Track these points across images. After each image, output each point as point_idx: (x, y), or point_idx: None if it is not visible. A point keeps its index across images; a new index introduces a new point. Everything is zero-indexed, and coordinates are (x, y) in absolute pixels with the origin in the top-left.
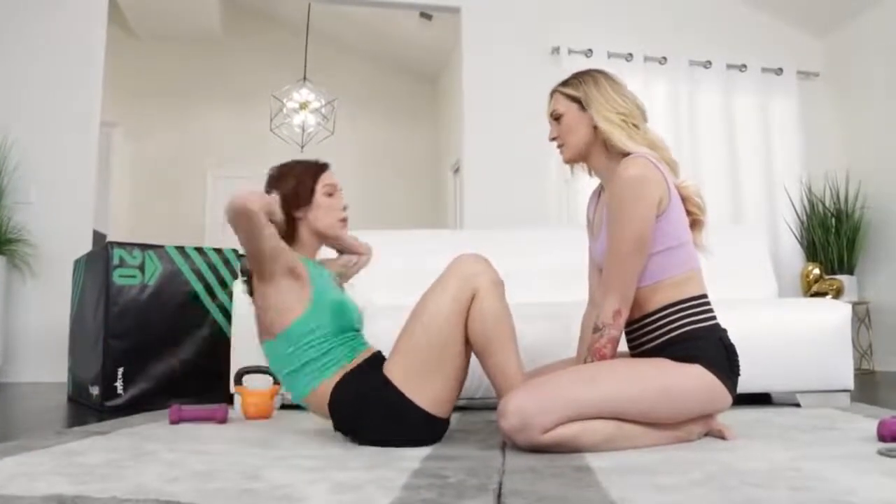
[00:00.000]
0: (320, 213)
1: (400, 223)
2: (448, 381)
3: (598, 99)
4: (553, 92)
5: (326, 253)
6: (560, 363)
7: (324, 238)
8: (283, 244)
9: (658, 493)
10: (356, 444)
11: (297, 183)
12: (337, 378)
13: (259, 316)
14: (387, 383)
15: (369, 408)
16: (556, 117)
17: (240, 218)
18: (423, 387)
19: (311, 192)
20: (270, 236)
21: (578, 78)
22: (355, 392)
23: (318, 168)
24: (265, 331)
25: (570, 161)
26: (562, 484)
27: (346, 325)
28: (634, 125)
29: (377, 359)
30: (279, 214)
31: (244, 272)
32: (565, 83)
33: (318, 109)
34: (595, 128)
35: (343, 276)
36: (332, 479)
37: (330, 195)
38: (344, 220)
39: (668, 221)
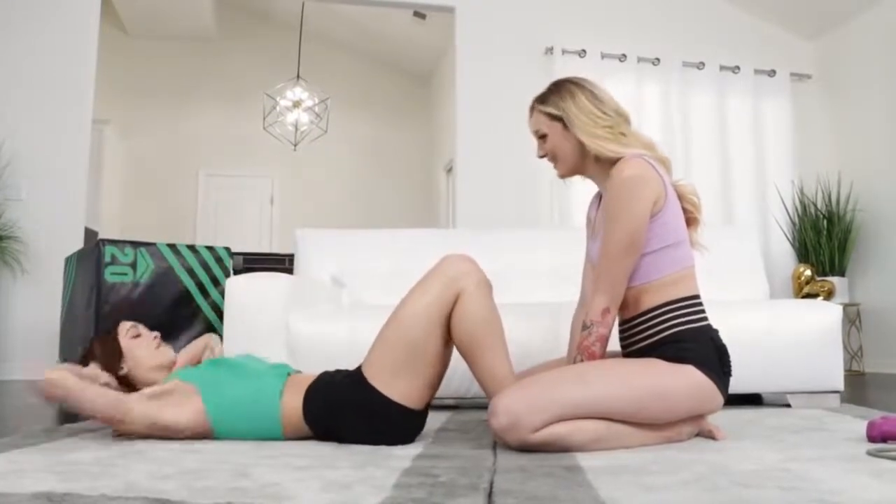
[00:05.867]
0: (136, 353)
1: (392, 222)
2: (422, 381)
3: (580, 117)
4: (532, 109)
5: None
6: (550, 363)
7: (158, 369)
8: (126, 395)
9: (648, 492)
10: (347, 444)
11: (101, 350)
12: (297, 398)
13: (195, 430)
14: (361, 380)
15: (344, 409)
16: (540, 136)
17: (56, 396)
18: (397, 384)
19: (117, 345)
20: (98, 394)
21: (556, 94)
22: (325, 398)
23: (112, 327)
24: (204, 432)
25: (566, 176)
26: (552, 483)
27: (243, 364)
28: (622, 133)
29: (329, 373)
30: (103, 377)
31: (241, 269)
32: (543, 100)
33: (311, 108)
34: (579, 140)
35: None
36: (322, 478)
37: (136, 336)
38: (163, 348)
39: (664, 220)
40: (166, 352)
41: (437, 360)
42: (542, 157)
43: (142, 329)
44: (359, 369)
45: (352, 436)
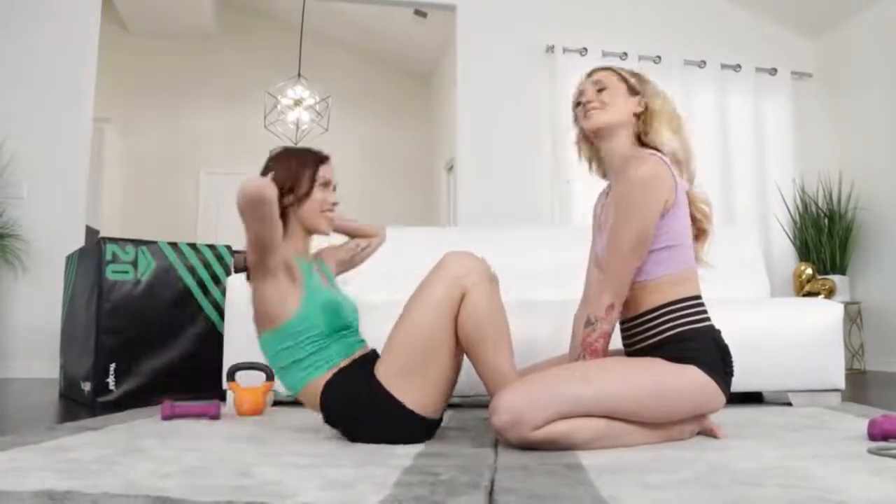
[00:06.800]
0: (311, 205)
1: (393, 221)
2: (437, 382)
3: (651, 94)
4: (598, 70)
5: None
6: (552, 360)
7: (310, 232)
8: (281, 239)
9: (649, 491)
10: (348, 442)
11: (298, 169)
12: (329, 376)
13: (255, 308)
14: (375, 383)
15: (358, 407)
16: (599, 88)
17: (256, 206)
18: (411, 387)
19: (311, 182)
20: (279, 227)
21: (634, 73)
22: (345, 390)
23: (321, 159)
24: (260, 323)
25: (596, 128)
26: (553, 481)
27: (340, 323)
28: (673, 127)
29: (370, 357)
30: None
31: (242, 266)
32: (622, 69)
33: (312, 106)
34: (634, 114)
35: (351, 262)
36: (323, 476)
37: (324, 186)
38: (330, 216)
39: (672, 220)
40: (327, 225)
41: (449, 360)
42: (583, 101)
43: (330, 188)
44: (372, 371)
45: (359, 433)
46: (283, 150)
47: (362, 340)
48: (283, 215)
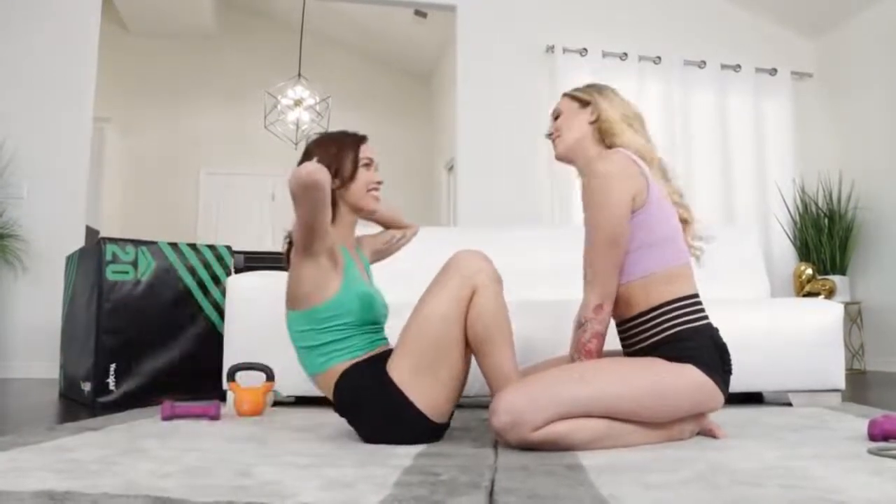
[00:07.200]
0: (357, 186)
1: None
2: (447, 382)
3: (601, 100)
4: (563, 96)
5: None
6: (551, 361)
7: (358, 212)
8: (330, 224)
9: (649, 491)
10: (348, 442)
11: (339, 153)
12: (347, 366)
13: (291, 285)
14: (387, 381)
15: (368, 402)
16: (555, 116)
17: (310, 190)
18: (423, 387)
19: (355, 163)
20: (329, 212)
21: (588, 86)
22: (358, 384)
23: (360, 139)
24: (293, 301)
25: (561, 156)
26: (553, 482)
27: (371, 318)
28: (631, 126)
29: (388, 356)
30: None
31: (243, 267)
32: (575, 89)
33: (312, 106)
34: (590, 123)
35: (386, 252)
36: (323, 476)
37: (367, 167)
38: (376, 195)
39: (646, 217)
40: (375, 203)
41: (460, 359)
42: (548, 135)
43: (373, 166)
44: (385, 369)
45: (367, 427)
46: (322, 136)
47: (385, 338)
48: (332, 201)
